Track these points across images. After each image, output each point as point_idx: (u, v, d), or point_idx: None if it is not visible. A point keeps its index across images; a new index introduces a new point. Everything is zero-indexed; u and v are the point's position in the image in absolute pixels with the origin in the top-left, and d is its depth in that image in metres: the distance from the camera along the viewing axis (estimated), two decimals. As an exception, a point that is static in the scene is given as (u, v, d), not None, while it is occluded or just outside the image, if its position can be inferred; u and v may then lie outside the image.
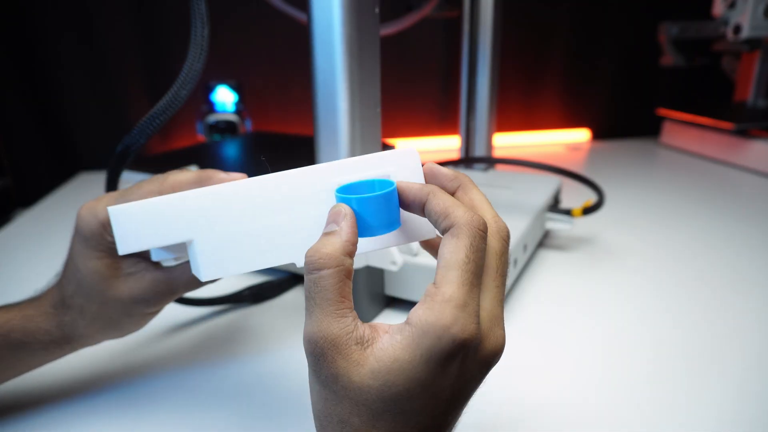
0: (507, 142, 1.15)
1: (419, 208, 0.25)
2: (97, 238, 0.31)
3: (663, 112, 1.11)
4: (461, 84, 0.70)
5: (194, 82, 0.36)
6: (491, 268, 0.23)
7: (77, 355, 0.41)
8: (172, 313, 0.48)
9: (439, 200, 0.24)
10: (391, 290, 0.47)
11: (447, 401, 0.22)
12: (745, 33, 0.90)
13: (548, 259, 0.58)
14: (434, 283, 0.22)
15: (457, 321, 0.21)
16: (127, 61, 0.96)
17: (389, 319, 0.47)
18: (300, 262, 0.26)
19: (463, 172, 0.27)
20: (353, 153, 0.40)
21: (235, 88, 0.97)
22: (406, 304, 0.49)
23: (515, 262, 0.49)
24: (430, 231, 0.27)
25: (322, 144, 0.40)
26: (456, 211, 0.23)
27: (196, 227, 0.26)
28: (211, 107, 0.97)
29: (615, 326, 0.45)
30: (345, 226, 0.24)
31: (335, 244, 0.23)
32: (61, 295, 0.32)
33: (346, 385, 0.22)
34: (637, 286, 0.52)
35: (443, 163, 0.65)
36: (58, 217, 0.75)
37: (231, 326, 0.46)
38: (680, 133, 1.09)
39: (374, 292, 0.46)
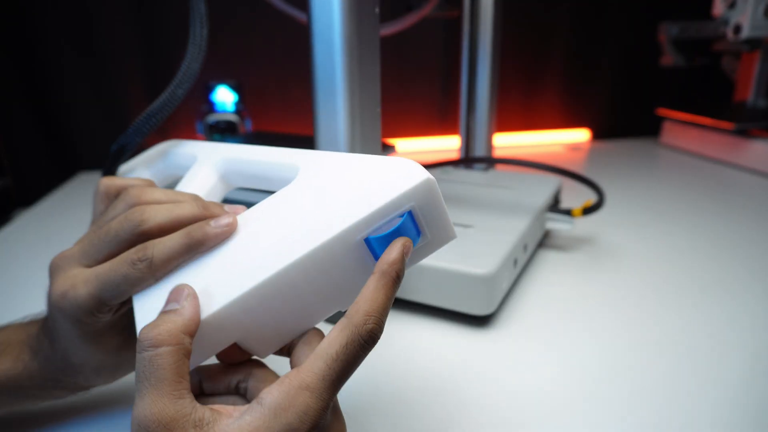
0: (507, 142, 1.15)
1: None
2: (89, 327, 0.27)
3: (663, 112, 1.11)
4: (461, 84, 0.70)
5: (191, 81, 0.36)
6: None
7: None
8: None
9: (368, 287, 0.23)
10: (391, 290, 0.47)
11: None
12: (745, 33, 0.90)
13: (548, 259, 0.58)
14: (298, 367, 0.22)
15: (308, 410, 0.21)
16: (127, 61, 0.96)
17: (389, 318, 0.47)
18: (345, 308, 0.26)
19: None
20: (353, 153, 0.40)
21: (235, 88, 0.97)
22: (406, 305, 0.48)
23: (515, 262, 0.49)
24: (450, 234, 0.26)
25: (322, 144, 0.40)
26: (360, 304, 0.23)
27: (242, 329, 0.25)
28: (211, 107, 0.96)
29: (615, 326, 0.45)
30: (187, 306, 0.23)
31: (176, 322, 0.22)
32: (65, 361, 0.29)
33: None
34: (637, 285, 0.52)
35: (444, 163, 0.65)
36: (58, 217, 0.75)
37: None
38: (680, 133, 1.09)
39: (374, 292, 0.46)
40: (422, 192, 0.24)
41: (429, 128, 1.13)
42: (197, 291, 0.25)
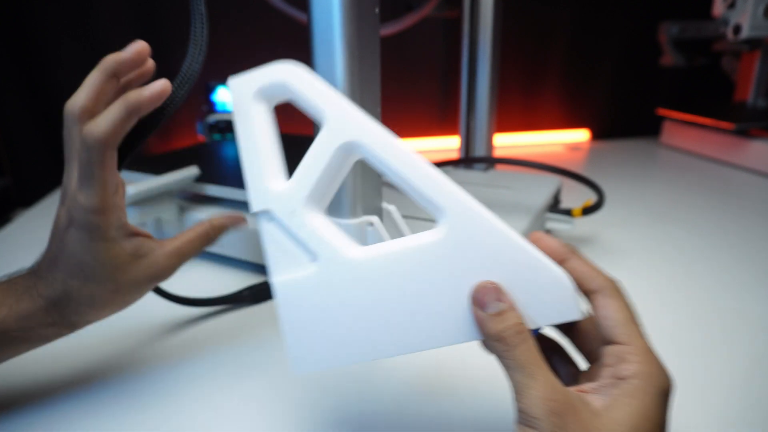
0: (507, 142, 1.15)
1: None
2: (100, 230, 0.30)
3: (663, 112, 1.11)
4: (461, 84, 0.70)
5: (192, 82, 0.36)
6: None
7: (76, 357, 0.41)
8: (171, 313, 0.48)
9: (578, 263, 0.26)
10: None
11: None
12: (745, 33, 0.90)
13: (548, 259, 0.58)
14: (617, 342, 0.24)
15: (661, 365, 0.24)
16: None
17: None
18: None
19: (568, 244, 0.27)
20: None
21: (236, 88, 0.97)
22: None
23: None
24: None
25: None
26: (599, 275, 0.26)
27: (376, 355, 0.27)
28: (211, 107, 0.97)
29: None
30: (512, 301, 0.25)
31: (520, 317, 0.25)
32: (63, 289, 0.31)
33: None
34: (637, 285, 0.52)
35: (443, 163, 0.65)
36: (58, 217, 0.75)
37: (230, 326, 0.46)
38: (680, 133, 1.09)
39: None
40: (561, 291, 0.25)
41: (429, 128, 1.13)
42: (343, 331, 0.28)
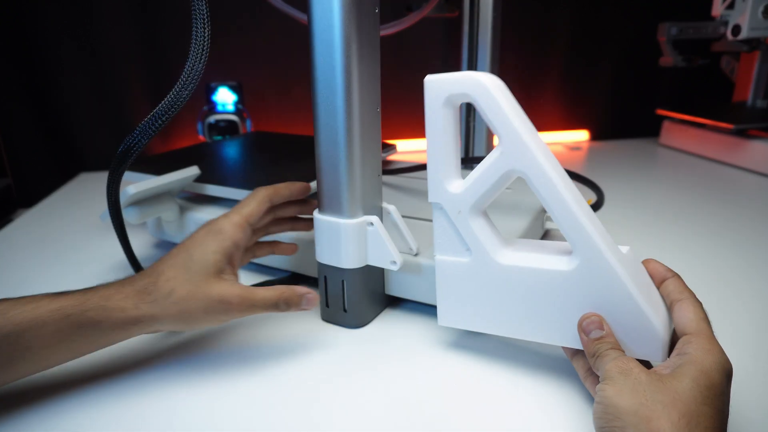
0: (507, 143, 1.15)
1: (657, 283, 0.34)
2: (223, 235, 0.38)
3: (662, 112, 1.12)
4: (461, 84, 0.70)
5: (195, 82, 0.36)
6: None
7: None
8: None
9: (673, 282, 0.34)
10: (391, 290, 0.47)
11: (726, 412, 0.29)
12: (744, 34, 0.90)
13: (548, 258, 0.58)
14: (688, 333, 0.31)
15: (720, 349, 0.30)
16: (129, 61, 0.96)
17: (389, 318, 0.47)
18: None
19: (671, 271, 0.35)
20: (352, 153, 0.40)
21: (236, 88, 0.97)
22: (408, 304, 0.49)
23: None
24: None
25: (322, 144, 0.41)
26: (686, 290, 0.33)
27: (498, 331, 0.38)
28: (211, 107, 0.97)
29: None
30: (610, 329, 0.33)
31: (616, 342, 0.32)
32: (154, 278, 0.36)
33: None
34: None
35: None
36: (59, 218, 0.75)
37: (230, 326, 0.46)
38: (679, 133, 1.09)
39: (374, 292, 0.46)
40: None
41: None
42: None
